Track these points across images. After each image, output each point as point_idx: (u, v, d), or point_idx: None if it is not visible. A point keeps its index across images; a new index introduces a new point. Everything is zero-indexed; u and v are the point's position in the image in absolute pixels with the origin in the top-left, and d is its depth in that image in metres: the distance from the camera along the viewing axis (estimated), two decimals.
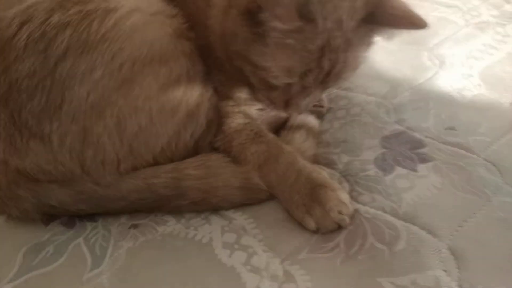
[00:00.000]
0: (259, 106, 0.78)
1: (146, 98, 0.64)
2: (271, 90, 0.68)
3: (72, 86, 0.60)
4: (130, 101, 0.64)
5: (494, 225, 0.60)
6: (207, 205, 0.68)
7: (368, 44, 0.67)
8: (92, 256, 0.62)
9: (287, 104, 0.69)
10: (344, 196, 0.65)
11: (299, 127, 0.78)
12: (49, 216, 0.67)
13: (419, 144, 0.74)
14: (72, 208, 0.65)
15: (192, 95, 0.69)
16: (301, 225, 0.64)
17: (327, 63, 0.62)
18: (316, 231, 0.63)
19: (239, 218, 0.67)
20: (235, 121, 0.73)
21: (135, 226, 0.66)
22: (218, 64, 0.70)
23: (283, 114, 0.80)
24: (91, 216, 0.67)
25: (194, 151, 0.71)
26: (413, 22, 0.62)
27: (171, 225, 0.66)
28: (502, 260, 0.55)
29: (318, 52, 0.60)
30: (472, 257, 0.56)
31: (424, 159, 0.71)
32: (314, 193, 0.64)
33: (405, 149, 0.73)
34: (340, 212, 0.62)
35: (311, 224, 0.63)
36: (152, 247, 0.63)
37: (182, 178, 0.67)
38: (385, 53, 0.96)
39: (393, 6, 0.63)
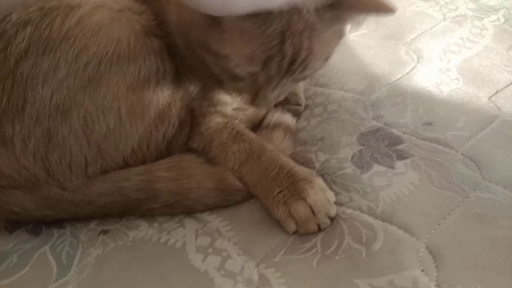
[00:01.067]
0: (235, 105, 0.76)
1: (114, 98, 0.62)
2: (236, 81, 0.64)
3: (35, 86, 0.58)
4: (97, 101, 0.61)
5: (472, 222, 0.58)
6: (181, 207, 0.65)
7: (339, 34, 0.65)
8: (58, 265, 0.59)
9: (255, 97, 0.65)
10: (331, 196, 0.63)
11: (276, 126, 0.76)
12: (13, 223, 0.64)
13: (397, 140, 0.73)
14: (37, 214, 0.62)
15: (163, 94, 0.66)
16: (278, 225, 0.62)
17: (290, 49, 0.58)
18: (294, 233, 0.61)
19: (214, 220, 0.65)
20: (214, 120, 0.71)
21: (105, 232, 0.63)
22: (187, 62, 0.68)
23: (259, 112, 0.79)
24: (58, 222, 0.65)
25: (167, 152, 0.69)
26: (381, 6, 0.59)
27: (143, 230, 0.64)
28: (481, 258, 0.54)
29: (278, 37, 0.57)
30: (451, 256, 0.55)
31: (402, 156, 0.70)
32: (298, 187, 0.62)
33: (383, 146, 0.72)
34: (327, 215, 0.61)
35: (291, 226, 0.61)
36: (122, 254, 0.60)
37: (154, 180, 0.64)
38: (362, 49, 0.95)
39: None
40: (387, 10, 0.59)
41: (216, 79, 0.67)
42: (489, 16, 1.00)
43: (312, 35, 0.59)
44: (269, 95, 0.64)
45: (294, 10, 0.56)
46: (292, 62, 0.60)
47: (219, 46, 0.59)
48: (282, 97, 0.70)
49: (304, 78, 0.69)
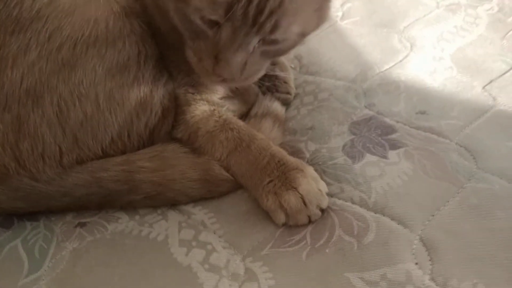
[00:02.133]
0: (221, 94, 0.72)
1: (91, 83, 0.59)
2: (196, 40, 0.57)
3: (3, 69, 0.54)
4: (72, 86, 0.58)
5: (468, 213, 0.56)
6: (163, 199, 0.62)
7: (320, 13, 0.60)
8: (29, 260, 0.56)
9: (216, 61, 0.56)
10: (323, 186, 0.60)
11: (265, 115, 0.73)
12: None
13: (390, 129, 0.70)
14: (7, 207, 0.59)
15: (144, 80, 0.63)
16: (266, 217, 0.60)
17: None
18: (283, 225, 0.58)
19: (199, 212, 0.62)
20: (200, 108, 0.68)
21: (82, 225, 0.60)
22: (169, 41, 0.64)
23: (247, 101, 0.76)
24: (32, 214, 0.61)
25: (150, 142, 0.66)
26: None
27: (123, 223, 0.61)
28: (477, 251, 0.52)
29: None
30: (445, 248, 0.53)
31: (395, 145, 0.67)
32: (289, 177, 0.59)
33: (375, 135, 0.69)
34: (319, 206, 0.58)
35: (281, 218, 0.58)
36: (100, 248, 0.57)
37: (134, 170, 0.61)
38: (354, 36, 0.92)
39: None
40: None
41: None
42: (483, 5, 0.98)
43: None
44: (231, 59, 0.55)
45: None
46: (260, 12, 0.52)
47: None
48: (252, 77, 0.62)
49: (276, 52, 0.60)
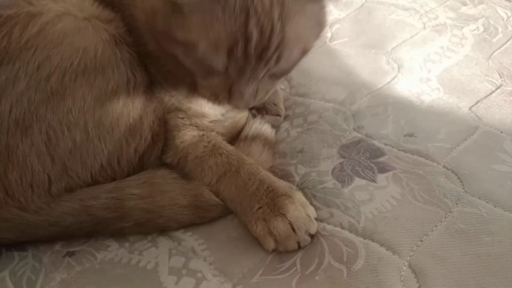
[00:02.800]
0: (212, 118, 0.73)
1: (80, 112, 0.59)
2: (209, 77, 0.59)
3: None
4: (61, 115, 0.58)
5: (455, 238, 0.56)
6: (153, 226, 0.62)
7: (319, 23, 0.61)
8: None
9: (230, 94, 0.59)
10: (312, 211, 0.61)
11: (254, 138, 0.73)
12: None
13: (378, 152, 0.71)
14: None
15: (134, 106, 0.63)
16: (256, 243, 0.60)
17: (255, 32, 0.53)
18: (273, 250, 0.58)
19: (189, 239, 0.62)
20: (189, 133, 0.68)
21: (70, 254, 0.60)
22: (161, 67, 0.64)
23: (237, 123, 0.76)
24: (20, 244, 0.60)
25: (139, 167, 0.66)
26: None
27: (112, 250, 0.60)
28: (464, 277, 0.52)
29: (241, 16, 0.52)
30: (433, 274, 0.53)
31: (383, 169, 0.68)
32: (278, 203, 0.59)
33: (364, 158, 0.70)
34: (307, 232, 0.58)
35: (271, 244, 0.58)
36: (89, 278, 0.57)
37: (124, 198, 0.61)
38: (343, 58, 0.93)
39: None
40: None
41: (192, 84, 0.63)
42: (468, 25, 0.99)
43: (284, 15, 0.53)
44: (244, 90, 0.58)
45: None
46: (265, 49, 0.54)
47: (183, 33, 0.55)
48: (263, 98, 0.65)
49: (282, 73, 0.63)
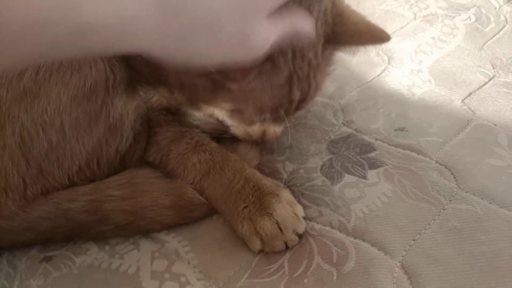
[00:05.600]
0: (197, 116, 0.70)
1: (56, 111, 0.55)
2: (249, 125, 0.64)
3: None
4: (35, 115, 0.54)
5: (449, 237, 0.54)
6: (135, 228, 0.59)
7: (333, 61, 0.65)
8: None
9: (264, 135, 0.65)
10: (300, 210, 0.58)
11: None
12: None
13: (369, 147, 0.68)
14: None
15: (113, 105, 0.60)
16: (243, 244, 0.57)
17: (297, 94, 0.59)
18: (259, 251, 0.56)
19: (172, 240, 0.59)
20: (171, 129, 0.65)
21: (48, 259, 0.57)
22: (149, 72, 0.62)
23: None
24: None
25: (121, 167, 0.63)
26: (377, 36, 0.61)
27: (92, 254, 0.58)
28: (459, 278, 0.50)
29: (286, 86, 0.57)
30: (427, 275, 0.51)
31: (374, 164, 0.65)
32: (264, 202, 0.57)
33: (354, 154, 0.68)
34: (295, 231, 0.56)
35: (257, 244, 0.56)
36: (67, 284, 0.54)
37: (103, 200, 0.58)
38: None
39: (354, 22, 0.60)
40: (382, 39, 0.61)
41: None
42: (460, 15, 0.97)
43: (317, 74, 0.60)
44: (277, 130, 0.65)
45: (298, 56, 0.56)
46: (302, 101, 0.61)
47: (229, 104, 0.59)
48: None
49: None
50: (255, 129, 0.65)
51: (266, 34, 0.44)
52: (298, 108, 0.62)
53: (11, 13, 0.32)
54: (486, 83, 0.79)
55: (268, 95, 0.58)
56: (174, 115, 0.68)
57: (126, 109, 0.61)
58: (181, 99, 0.64)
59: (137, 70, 0.63)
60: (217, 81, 0.55)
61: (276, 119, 0.62)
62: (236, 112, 0.61)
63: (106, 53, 0.48)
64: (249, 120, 0.62)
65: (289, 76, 0.57)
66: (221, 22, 0.41)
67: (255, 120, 0.62)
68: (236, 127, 0.65)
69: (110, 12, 0.36)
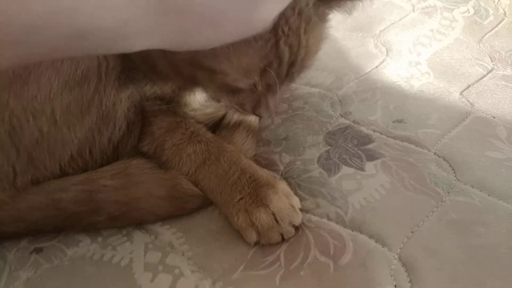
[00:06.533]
0: (193, 106, 0.69)
1: (46, 98, 0.54)
2: (234, 94, 0.59)
3: None
4: (25, 102, 0.53)
5: (448, 229, 0.54)
6: (128, 219, 0.58)
7: (325, 34, 0.61)
8: None
9: (256, 106, 0.61)
10: (296, 201, 0.57)
11: (237, 125, 0.69)
12: None
13: (367, 139, 0.67)
14: None
15: (106, 93, 0.59)
16: (238, 236, 0.56)
17: (286, 50, 0.53)
18: (255, 244, 0.55)
19: (166, 232, 0.58)
20: (166, 119, 0.64)
21: (38, 250, 0.55)
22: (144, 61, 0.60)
23: (219, 111, 0.72)
24: None
25: (114, 157, 0.62)
26: None
27: (84, 246, 0.57)
28: (458, 270, 0.49)
29: (272, 40, 0.52)
30: (425, 268, 0.50)
31: (372, 156, 0.64)
32: (260, 193, 0.56)
33: (352, 145, 0.67)
34: (291, 223, 0.55)
35: (253, 236, 0.55)
36: (57, 276, 0.53)
37: (96, 190, 0.57)
38: (329, 41, 0.89)
39: None
40: None
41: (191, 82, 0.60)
42: (458, 7, 0.96)
43: (307, 29, 0.54)
44: (270, 102, 0.60)
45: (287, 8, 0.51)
46: (292, 64, 0.55)
47: (212, 62, 0.54)
48: (280, 101, 0.66)
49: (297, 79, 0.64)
50: (244, 98, 0.60)
51: (269, 10, 0.43)
52: (289, 74, 0.57)
53: (11, 18, 0.32)
54: (485, 76, 0.79)
55: (254, 51, 0.52)
56: (168, 104, 0.66)
57: (119, 96, 0.60)
58: (174, 86, 0.63)
59: (129, 57, 0.62)
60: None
61: (268, 88, 0.58)
62: (217, 75, 0.55)
63: (106, 53, 0.47)
64: (235, 83, 0.56)
65: (274, 26, 0.51)
66: (226, 14, 0.40)
67: (242, 84, 0.57)
68: (222, 94, 0.61)
69: (108, 15, 0.36)
